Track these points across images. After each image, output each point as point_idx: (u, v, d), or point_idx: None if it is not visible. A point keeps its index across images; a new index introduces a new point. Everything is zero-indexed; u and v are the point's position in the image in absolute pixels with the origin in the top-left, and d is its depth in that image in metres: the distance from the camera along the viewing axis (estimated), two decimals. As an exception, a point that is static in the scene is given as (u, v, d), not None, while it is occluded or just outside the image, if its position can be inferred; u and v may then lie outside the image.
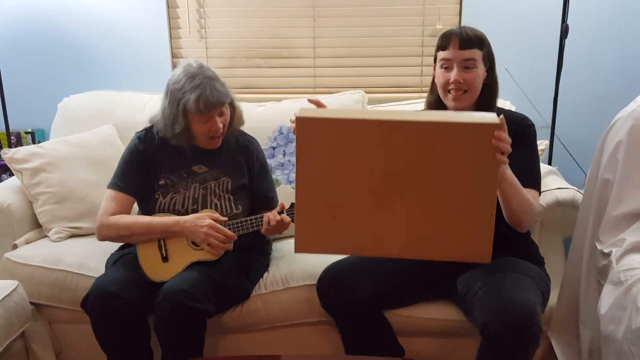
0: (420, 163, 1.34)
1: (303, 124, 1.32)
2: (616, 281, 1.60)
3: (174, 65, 2.90)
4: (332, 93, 2.59)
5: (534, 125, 1.77)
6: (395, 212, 1.37)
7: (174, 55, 2.90)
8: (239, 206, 1.93)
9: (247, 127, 2.07)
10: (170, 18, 2.86)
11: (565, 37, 2.51)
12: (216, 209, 1.90)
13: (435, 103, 1.80)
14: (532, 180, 1.69)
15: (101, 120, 2.52)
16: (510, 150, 1.35)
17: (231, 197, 1.93)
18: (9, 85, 2.74)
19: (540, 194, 1.73)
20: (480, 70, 1.71)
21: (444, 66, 1.72)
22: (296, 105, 2.52)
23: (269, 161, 2.16)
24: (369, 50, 2.85)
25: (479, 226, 1.37)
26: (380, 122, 1.33)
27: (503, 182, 1.53)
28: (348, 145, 1.34)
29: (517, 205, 1.59)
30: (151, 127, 1.97)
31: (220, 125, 1.86)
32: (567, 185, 2.10)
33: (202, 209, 1.88)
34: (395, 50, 2.84)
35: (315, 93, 2.82)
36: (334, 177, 1.36)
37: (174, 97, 1.82)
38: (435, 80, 1.77)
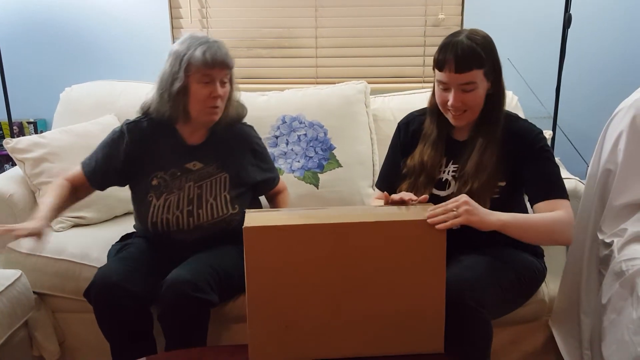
0: (368, 262, 1.37)
1: (250, 234, 1.34)
2: (617, 271, 1.61)
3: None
4: (334, 83, 2.58)
5: (542, 135, 1.69)
6: (348, 314, 1.40)
7: (175, 45, 2.89)
8: (236, 206, 1.88)
9: (250, 117, 2.05)
10: (171, 7, 2.85)
11: (568, 26, 2.50)
12: (211, 209, 1.86)
13: (437, 108, 1.72)
14: (555, 190, 1.62)
15: (103, 110, 2.52)
16: (451, 216, 1.39)
17: (227, 197, 1.88)
18: (11, 75, 2.73)
19: (568, 199, 1.63)
20: (481, 89, 1.62)
21: (441, 86, 1.63)
22: (299, 95, 2.52)
23: (271, 150, 2.15)
24: (371, 40, 2.84)
25: (431, 317, 1.41)
26: (326, 225, 1.35)
27: (504, 229, 1.51)
28: (297, 251, 1.35)
29: (535, 237, 1.59)
30: (140, 120, 1.91)
31: (221, 93, 1.79)
32: (569, 175, 2.10)
33: (197, 209, 1.84)
34: (398, 40, 2.83)
35: (318, 83, 2.81)
36: (285, 284, 1.38)
37: (177, 55, 1.77)
38: (435, 96, 1.69)
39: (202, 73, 1.75)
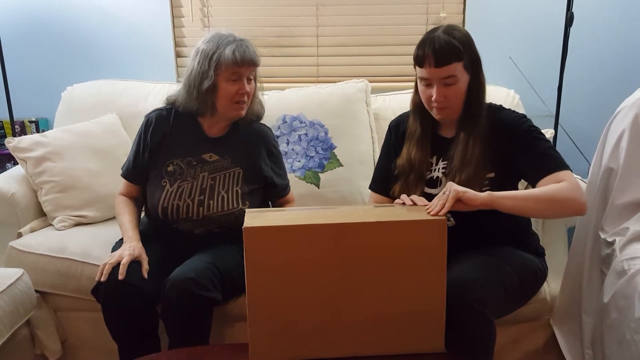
0: (369, 262, 1.37)
1: (250, 234, 1.34)
2: (619, 270, 1.61)
3: (177, 54, 2.90)
4: (335, 82, 2.58)
5: (525, 118, 1.70)
6: (348, 314, 1.40)
7: (177, 44, 2.89)
8: (247, 202, 1.90)
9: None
10: (173, 7, 2.85)
11: (570, 25, 2.49)
12: (222, 201, 1.88)
13: (421, 104, 1.73)
14: (552, 164, 1.61)
15: (105, 109, 2.52)
16: (443, 197, 1.44)
17: (239, 191, 1.90)
18: (13, 75, 2.74)
19: (569, 169, 1.62)
20: (463, 82, 1.63)
21: (423, 83, 1.65)
22: (299, 94, 2.52)
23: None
24: (373, 39, 2.84)
25: (432, 316, 1.41)
26: (326, 225, 1.35)
27: (496, 203, 1.51)
28: (297, 251, 1.35)
29: (538, 208, 1.57)
30: (163, 109, 1.96)
31: (248, 90, 1.84)
32: (570, 174, 2.10)
33: (208, 200, 1.87)
34: (399, 38, 2.83)
35: (319, 82, 2.81)
36: (285, 284, 1.38)
37: (206, 53, 1.80)
38: (420, 93, 1.70)
39: (231, 71, 1.80)
